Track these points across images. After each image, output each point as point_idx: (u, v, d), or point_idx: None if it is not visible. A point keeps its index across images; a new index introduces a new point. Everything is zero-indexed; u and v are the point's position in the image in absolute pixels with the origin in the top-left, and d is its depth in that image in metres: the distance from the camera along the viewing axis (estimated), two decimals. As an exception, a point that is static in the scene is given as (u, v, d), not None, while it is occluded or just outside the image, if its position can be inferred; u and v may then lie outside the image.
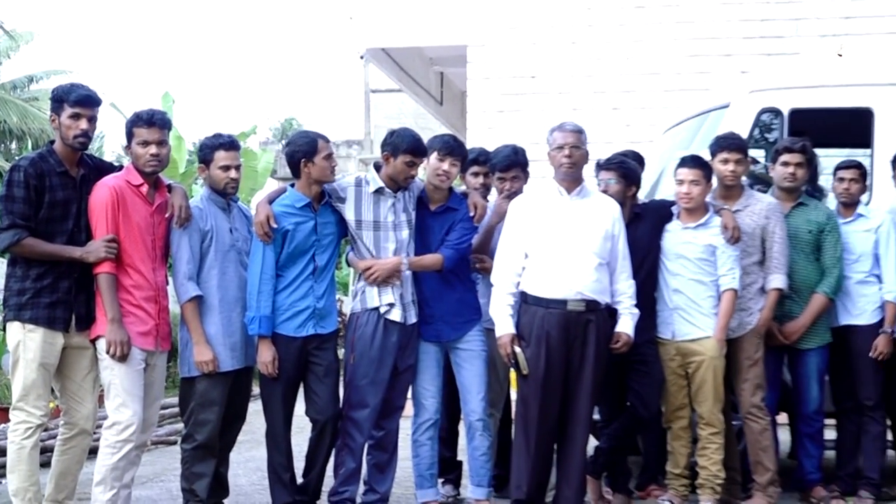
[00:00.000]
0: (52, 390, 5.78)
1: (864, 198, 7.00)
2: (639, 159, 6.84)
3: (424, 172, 6.34)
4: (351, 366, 6.10)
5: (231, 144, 6.00)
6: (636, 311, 6.09)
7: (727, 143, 6.56)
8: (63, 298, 5.55)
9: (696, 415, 6.40)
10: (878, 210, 6.92)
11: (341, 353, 6.27)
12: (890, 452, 7.02)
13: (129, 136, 5.74)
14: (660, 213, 6.51)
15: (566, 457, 6.05)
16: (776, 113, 7.34)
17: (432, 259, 6.18)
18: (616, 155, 6.64)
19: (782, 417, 6.91)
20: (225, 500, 6.22)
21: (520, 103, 11.82)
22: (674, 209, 6.49)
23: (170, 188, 5.88)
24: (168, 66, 76.15)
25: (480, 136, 10.80)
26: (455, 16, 12.60)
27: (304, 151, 5.94)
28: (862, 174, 6.92)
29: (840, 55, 7.95)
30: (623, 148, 7.54)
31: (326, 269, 6.04)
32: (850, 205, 6.88)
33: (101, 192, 5.60)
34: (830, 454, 7.02)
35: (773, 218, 6.52)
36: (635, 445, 6.88)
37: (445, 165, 6.17)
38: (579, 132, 6.03)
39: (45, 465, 5.77)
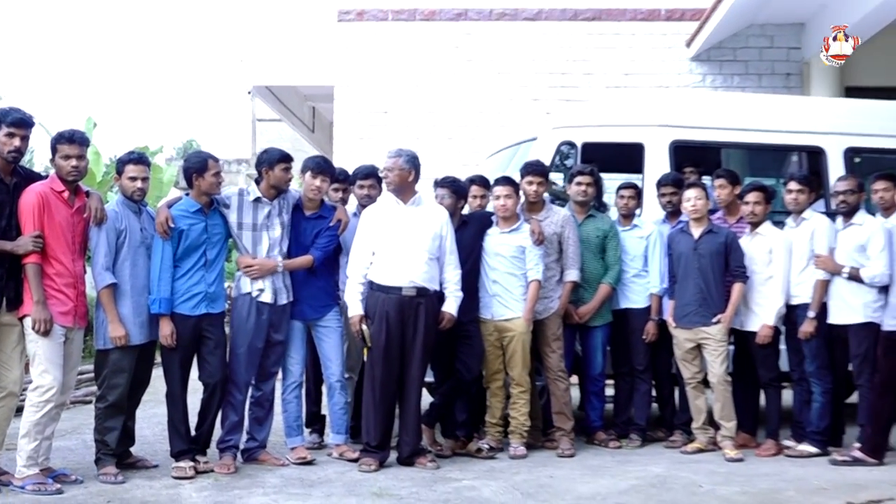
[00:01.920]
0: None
1: (638, 211, 7.19)
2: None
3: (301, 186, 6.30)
4: (231, 339, 6.03)
5: (139, 159, 5.85)
6: (460, 294, 6.15)
7: (532, 169, 6.66)
8: (-4, 284, 5.31)
9: (509, 377, 6.49)
10: (648, 222, 7.11)
11: (229, 329, 6.15)
12: (653, 406, 7.21)
13: (54, 150, 5.55)
14: (482, 221, 6.58)
15: (405, 411, 6.08)
16: (572, 145, 7.45)
17: (303, 260, 6.15)
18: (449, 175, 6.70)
19: (574, 379, 7.04)
20: (131, 449, 6.05)
21: (375, 132, 11.83)
22: (493, 218, 6.56)
23: (88, 194, 5.69)
24: (92, 94, 73.88)
25: (345, 159, 10.73)
26: (325, 62, 12.62)
27: (195, 168, 5.85)
28: (637, 193, 7.13)
29: None
30: (455, 169, 7.60)
31: (216, 261, 5.93)
32: (627, 216, 7.07)
33: (29, 197, 5.39)
34: (609, 407, 7.21)
35: (567, 226, 6.65)
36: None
37: (317, 182, 6.17)
38: (397, 157, 6.07)
39: (-21, 421, 5.50)
